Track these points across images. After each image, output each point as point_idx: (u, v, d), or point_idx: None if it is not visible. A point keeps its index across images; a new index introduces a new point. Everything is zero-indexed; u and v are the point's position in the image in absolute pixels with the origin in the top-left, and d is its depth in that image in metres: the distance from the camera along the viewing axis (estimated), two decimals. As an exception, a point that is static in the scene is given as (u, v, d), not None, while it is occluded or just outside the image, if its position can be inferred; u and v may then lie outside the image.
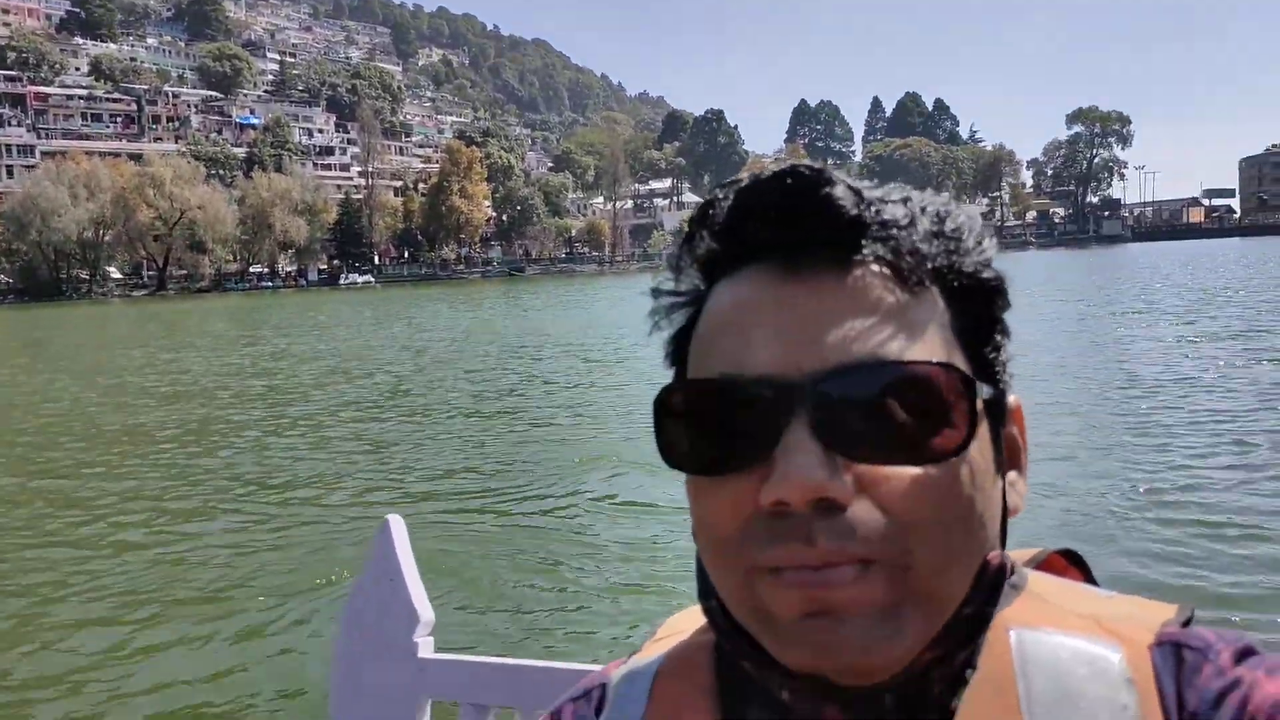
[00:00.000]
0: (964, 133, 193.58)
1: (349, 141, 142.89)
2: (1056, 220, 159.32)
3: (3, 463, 11.64)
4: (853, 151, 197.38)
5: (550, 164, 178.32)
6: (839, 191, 0.57)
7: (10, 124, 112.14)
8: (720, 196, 0.62)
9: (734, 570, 0.57)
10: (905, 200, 0.61)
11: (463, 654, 1.54)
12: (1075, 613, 0.61)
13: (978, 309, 0.62)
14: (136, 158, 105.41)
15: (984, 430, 0.58)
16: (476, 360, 21.55)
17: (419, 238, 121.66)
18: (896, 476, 0.55)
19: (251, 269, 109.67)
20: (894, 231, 0.58)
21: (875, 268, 0.58)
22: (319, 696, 4.79)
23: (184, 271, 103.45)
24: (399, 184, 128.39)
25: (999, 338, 0.63)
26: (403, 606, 1.54)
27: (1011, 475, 0.64)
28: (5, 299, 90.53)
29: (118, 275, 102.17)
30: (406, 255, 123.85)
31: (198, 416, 14.70)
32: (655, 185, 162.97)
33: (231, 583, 6.76)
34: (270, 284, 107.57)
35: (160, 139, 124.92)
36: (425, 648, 1.54)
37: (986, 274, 0.62)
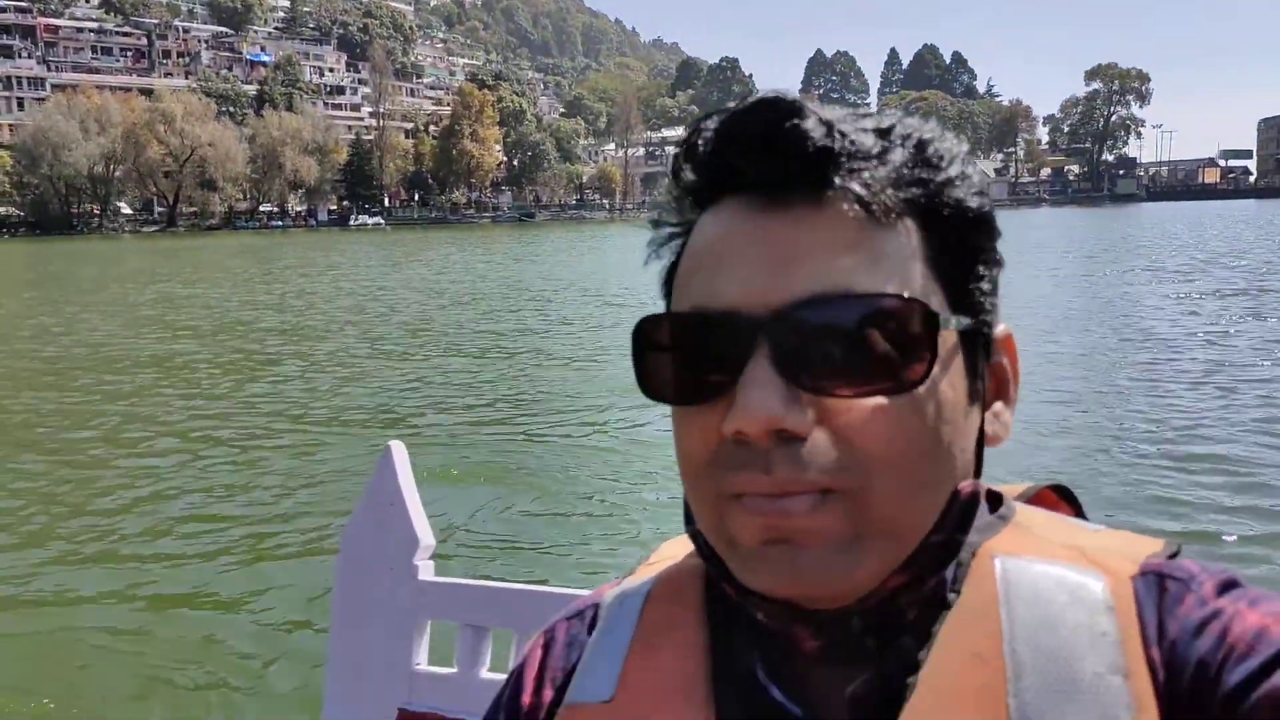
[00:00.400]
0: (981, 87, 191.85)
1: (360, 82, 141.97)
2: (1071, 178, 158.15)
3: (35, 390, 11.98)
4: (868, 103, 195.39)
5: (562, 110, 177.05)
6: (809, 123, 0.57)
7: (21, 56, 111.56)
8: (703, 127, 0.62)
9: (705, 497, 0.60)
10: (883, 130, 0.60)
11: (462, 578, 1.58)
12: (1060, 544, 0.62)
13: (958, 239, 0.61)
14: (147, 93, 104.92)
15: (958, 361, 0.59)
16: (494, 301, 21.83)
17: (429, 181, 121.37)
18: (856, 408, 0.56)
19: (261, 208, 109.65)
20: (864, 163, 0.58)
21: (847, 199, 0.58)
22: (322, 617, 4.88)
23: (194, 209, 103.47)
24: (410, 126, 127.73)
25: (983, 268, 0.62)
26: (403, 530, 1.57)
27: (997, 405, 0.64)
28: (16, 231, 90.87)
29: (128, 211, 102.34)
30: (416, 198, 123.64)
31: (220, 350, 15.00)
32: (668, 133, 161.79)
33: (243, 504, 7.06)
34: (280, 223, 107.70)
35: (170, 74, 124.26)
36: (425, 571, 1.57)
37: (969, 203, 0.61)
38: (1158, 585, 0.58)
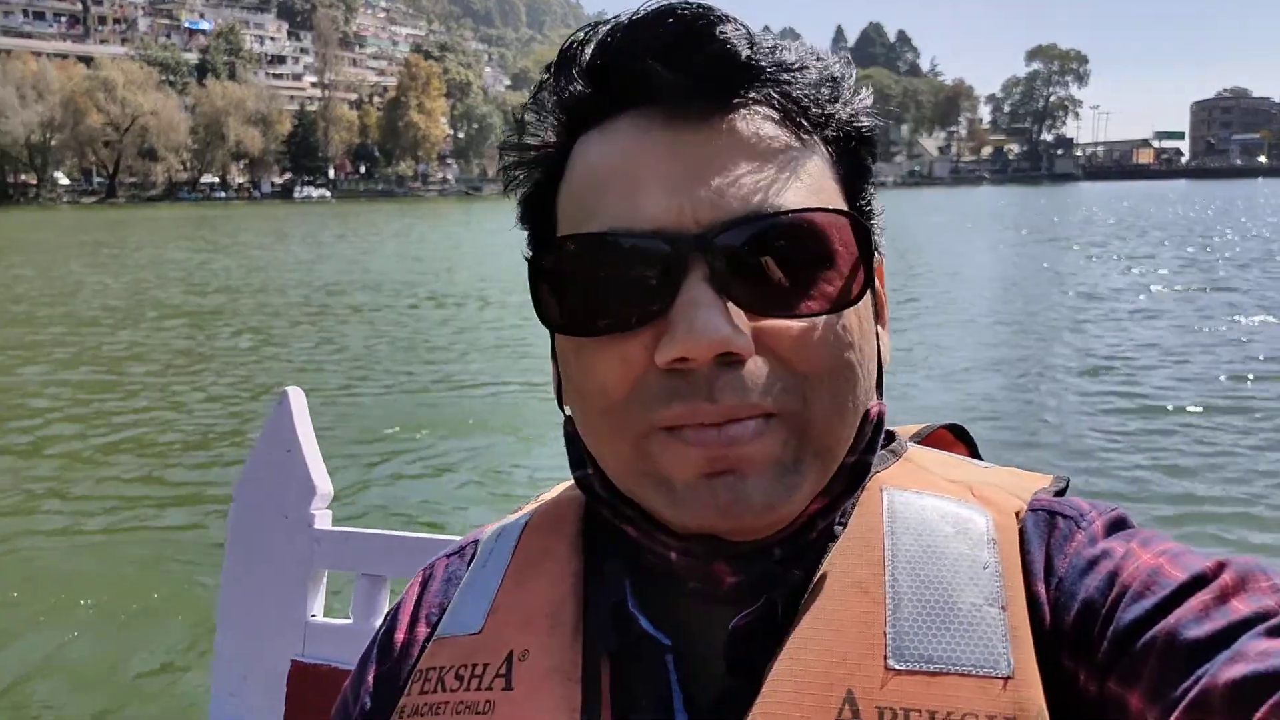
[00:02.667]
0: (925, 65, 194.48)
1: (301, 51, 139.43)
2: (1011, 157, 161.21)
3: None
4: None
5: (508, 82, 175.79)
6: (731, 30, 0.55)
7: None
8: (582, 38, 0.59)
9: (623, 434, 0.57)
10: (792, 46, 0.59)
11: (360, 527, 1.55)
12: (948, 479, 0.62)
13: (855, 158, 0.61)
14: (87, 61, 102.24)
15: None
16: (434, 267, 22.22)
17: (375, 153, 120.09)
18: (795, 328, 0.55)
19: (203, 179, 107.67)
20: (785, 75, 0.57)
21: (765, 112, 0.56)
22: (216, 568, 5.23)
23: (134, 179, 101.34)
24: (354, 97, 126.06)
25: (870, 189, 0.62)
26: (300, 478, 1.53)
27: (878, 328, 0.63)
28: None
29: (65, 181, 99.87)
30: (362, 170, 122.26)
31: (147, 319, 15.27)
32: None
33: (140, 454, 7.51)
34: (223, 194, 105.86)
35: (106, 41, 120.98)
36: (322, 520, 1.54)
37: (865, 122, 0.61)
38: (1047, 522, 0.59)
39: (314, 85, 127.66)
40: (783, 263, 0.54)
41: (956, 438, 0.74)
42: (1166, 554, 0.54)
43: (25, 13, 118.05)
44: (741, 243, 0.53)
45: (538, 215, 0.63)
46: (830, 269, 0.55)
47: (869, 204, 0.62)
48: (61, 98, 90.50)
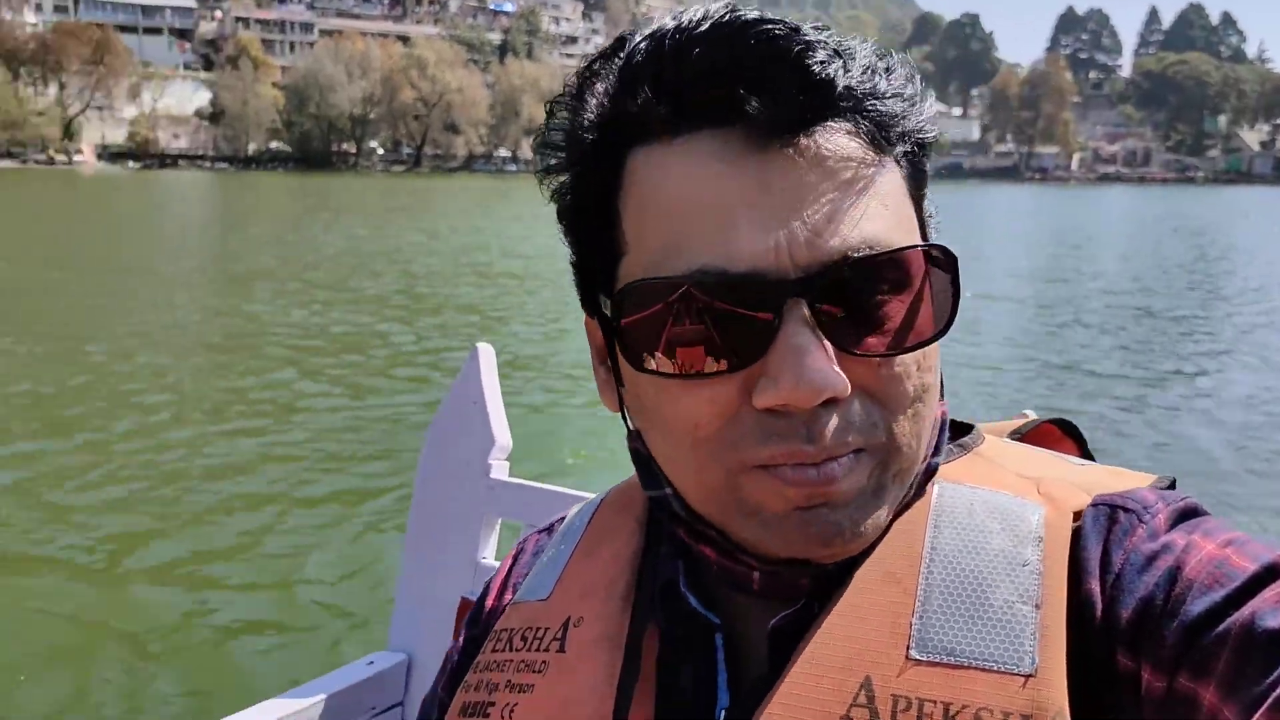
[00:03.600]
0: (1250, 51, 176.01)
1: (593, 32, 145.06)
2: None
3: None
4: (1119, 65, 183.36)
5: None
6: (824, 55, 0.53)
7: (292, 1, 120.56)
8: (652, 45, 0.55)
9: (713, 468, 0.56)
10: (867, 56, 0.56)
11: (535, 481, 1.60)
12: (1017, 474, 0.60)
13: (918, 165, 0.59)
14: (404, 40, 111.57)
15: None
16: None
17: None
18: (887, 364, 0.54)
19: (495, 153, 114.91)
20: (870, 97, 0.55)
21: (850, 131, 0.54)
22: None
23: (438, 151, 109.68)
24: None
25: (927, 191, 0.60)
26: (481, 429, 1.59)
27: None
28: (285, 165, 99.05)
29: (380, 151, 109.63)
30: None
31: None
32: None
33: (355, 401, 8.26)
34: (513, 168, 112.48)
35: (421, 21, 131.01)
36: (499, 470, 1.59)
37: (929, 131, 0.59)
38: (1108, 516, 0.57)
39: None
40: (880, 301, 0.53)
41: (1065, 434, 0.72)
42: (1233, 543, 0.53)
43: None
44: (841, 284, 0.52)
45: (594, 227, 0.60)
46: (924, 304, 0.54)
47: (926, 205, 0.60)
48: (381, 75, 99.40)
